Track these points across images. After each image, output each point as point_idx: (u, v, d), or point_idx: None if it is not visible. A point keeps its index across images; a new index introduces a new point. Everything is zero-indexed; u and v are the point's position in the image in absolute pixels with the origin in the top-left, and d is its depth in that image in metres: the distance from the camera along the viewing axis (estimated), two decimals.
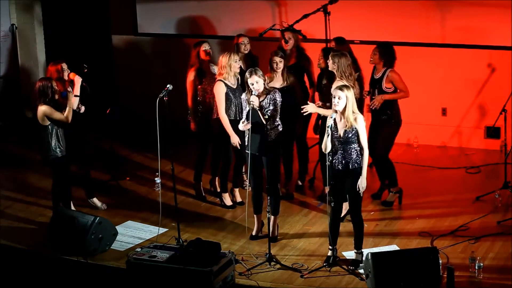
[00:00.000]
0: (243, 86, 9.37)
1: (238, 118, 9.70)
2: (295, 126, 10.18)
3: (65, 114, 9.45)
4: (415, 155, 11.72)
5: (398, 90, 9.79)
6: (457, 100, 11.81)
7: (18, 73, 13.24)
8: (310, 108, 9.19)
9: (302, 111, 9.20)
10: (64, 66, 9.87)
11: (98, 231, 9.07)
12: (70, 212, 9.41)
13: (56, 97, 9.49)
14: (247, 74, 9.06)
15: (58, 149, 9.53)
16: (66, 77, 9.83)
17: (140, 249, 8.72)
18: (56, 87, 9.48)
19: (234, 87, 9.81)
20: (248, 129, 8.99)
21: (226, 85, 9.75)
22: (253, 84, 8.97)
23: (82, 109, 9.93)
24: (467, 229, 9.37)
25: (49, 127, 9.47)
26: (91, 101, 10.05)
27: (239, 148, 9.68)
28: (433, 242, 9.05)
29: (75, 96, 9.68)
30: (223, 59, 9.75)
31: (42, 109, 9.42)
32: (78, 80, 9.79)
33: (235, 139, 9.69)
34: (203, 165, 10.52)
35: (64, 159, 9.60)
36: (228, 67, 9.72)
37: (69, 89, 9.58)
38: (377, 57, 9.80)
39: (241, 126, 9.09)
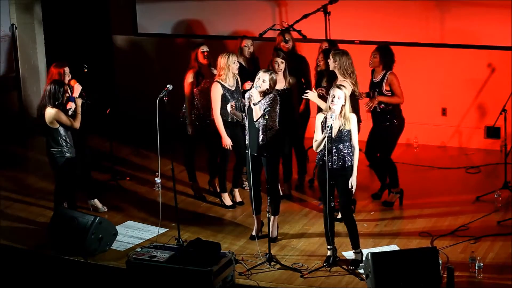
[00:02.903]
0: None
1: (234, 121, 9.72)
2: (295, 127, 10.18)
3: (74, 122, 9.43)
4: (415, 155, 11.72)
5: (394, 95, 9.77)
6: (457, 100, 11.81)
7: (18, 73, 13.24)
8: (311, 95, 9.22)
9: (303, 96, 9.28)
10: (67, 70, 9.85)
11: (98, 231, 9.06)
12: (70, 212, 9.40)
13: (65, 101, 9.49)
14: (263, 70, 9.09)
15: (69, 151, 9.50)
16: (66, 81, 9.81)
17: (140, 249, 8.72)
18: (67, 91, 9.47)
19: (232, 89, 9.79)
20: (247, 130, 9.01)
21: (223, 86, 9.73)
22: (259, 79, 8.98)
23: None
24: (467, 229, 9.37)
25: (59, 129, 9.44)
26: (91, 103, 10.06)
27: (230, 149, 9.70)
28: (433, 242, 9.05)
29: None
30: (221, 60, 9.73)
31: (52, 112, 9.37)
32: (77, 88, 9.75)
33: (227, 141, 9.72)
34: (193, 164, 10.50)
35: (73, 160, 9.57)
36: (226, 68, 9.71)
37: (72, 94, 9.61)
38: (377, 60, 9.78)
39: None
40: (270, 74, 9.03)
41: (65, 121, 9.42)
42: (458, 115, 11.87)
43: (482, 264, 8.28)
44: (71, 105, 9.55)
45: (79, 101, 9.55)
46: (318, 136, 8.53)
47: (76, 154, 9.58)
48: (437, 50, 11.74)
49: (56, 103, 9.38)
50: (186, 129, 10.22)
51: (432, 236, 9.20)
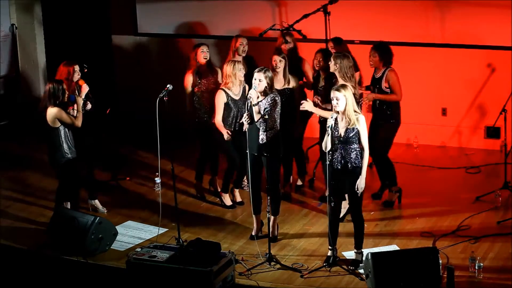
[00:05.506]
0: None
1: (235, 129, 9.70)
2: (295, 127, 10.18)
3: (75, 120, 9.46)
4: (415, 155, 11.72)
5: (392, 92, 9.76)
6: (457, 100, 11.81)
7: (18, 73, 13.25)
8: (308, 105, 9.18)
9: (299, 108, 9.22)
10: (76, 68, 9.91)
11: (98, 231, 9.07)
12: (70, 212, 9.41)
13: (66, 99, 9.49)
14: (257, 69, 9.06)
15: (69, 151, 9.51)
16: (75, 80, 9.85)
17: (140, 249, 8.72)
18: (66, 90, 9.49)
19: (237, 98, 9.72)
20: (247, 129, 9.00)
21: (227, 94, 9.69)
22: (256, 80, 8.97)
23: (89, 106, 9.94)
24: (467, 229, 9.37)
25: (60, 129, 9.45)
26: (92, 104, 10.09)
27: (230, 139, 9.65)
28: (435, 242, 9.05)
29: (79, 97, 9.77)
30: (227, 68, 9.63)
31: (53, 111, 9.38)
32: (85, 89, 9.83)
33: (224, 133, 9.65)
34: (205, 164, 10.51)
35: (75, 160, 9.58)
36: (232, 76, 9.63)
37: (79, 94, 9.65)
38: (377, 59, 9.79)
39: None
40: (265, 72, 9.01)
41: (66, 119, 9.43)
42: (458, 115, 11.87)
43: (482, 264, 8.28)
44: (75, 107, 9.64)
45: (80, 100, 9.58)
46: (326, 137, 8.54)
47: (77, 155, 9.60)
48: (437, 50, 11.74)
49: (57, 101, 9.40)
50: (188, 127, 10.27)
51: (434, 236, 9.20)
